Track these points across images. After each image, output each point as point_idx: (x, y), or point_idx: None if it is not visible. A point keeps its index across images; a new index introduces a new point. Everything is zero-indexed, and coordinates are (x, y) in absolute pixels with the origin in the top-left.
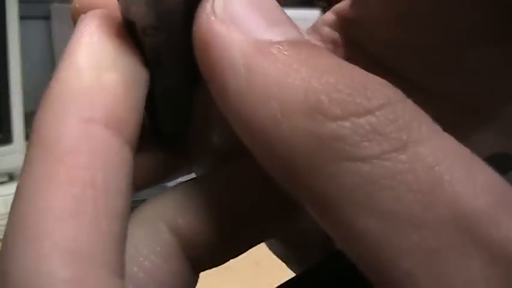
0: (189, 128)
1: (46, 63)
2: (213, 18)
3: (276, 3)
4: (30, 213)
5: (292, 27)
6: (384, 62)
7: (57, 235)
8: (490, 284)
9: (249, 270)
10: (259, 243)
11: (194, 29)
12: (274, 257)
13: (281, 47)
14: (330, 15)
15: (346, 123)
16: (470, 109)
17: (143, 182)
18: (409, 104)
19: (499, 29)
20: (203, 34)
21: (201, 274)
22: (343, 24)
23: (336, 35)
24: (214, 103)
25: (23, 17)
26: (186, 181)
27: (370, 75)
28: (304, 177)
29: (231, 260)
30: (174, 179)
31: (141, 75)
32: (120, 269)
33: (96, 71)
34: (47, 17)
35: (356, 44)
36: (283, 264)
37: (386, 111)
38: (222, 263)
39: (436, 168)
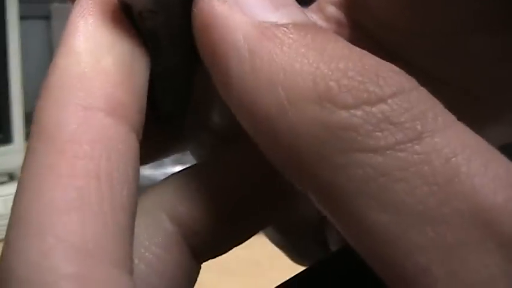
0: (187, 109)
1: (46, 63)
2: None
3: None
4: (32, 207)
5: (298, 10)
6: (388, 46)
7: (60, 229)
8: (510, 280)
9: (249, 270)
10: (259, 230)
11: (194, 10)
12: (274, 257)
13: (287, 30)
14: None
15: (358, 112)
16: (478, 99)
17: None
18: (424, 92)
19: (503, 17)
20: (204, 16)
21: (201, 274)
22: (349, 4)
23: (340, 15)
24: (213, 86)
25: (23, 17)
26: (184, 169)
27: (382, 61)
28: (311, 168)
29: (231, 260)
30: (167, 156)
31: (141, 58)
32: (127, 264)
33: (94, 55)
34: (47, 17)
35: (361, 26)
36: (283, 264)
37: (400, 100)
38: (223, 253)
39: (453, 159)
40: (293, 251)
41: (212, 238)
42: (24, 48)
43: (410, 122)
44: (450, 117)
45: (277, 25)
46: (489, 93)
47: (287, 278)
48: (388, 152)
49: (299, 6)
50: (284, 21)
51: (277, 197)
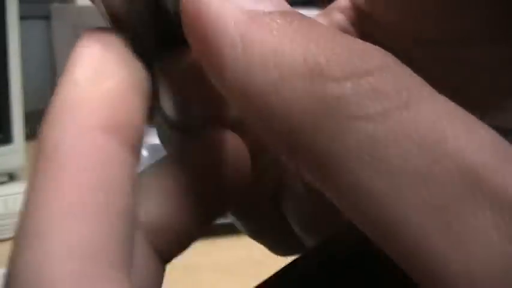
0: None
1: (46, 63)
2: None
3: None
4: (34, 215)
5: (282, 1)
6: (394, 55)
7: (59, 233)
8: (500, 232)
9: (249, 270)
10: (222, 216)
11: (183, 1)
12: (274, 257)
13: (274, 16)
14: (344, 1)
15: (347, 83)
16: (474, 103)
17: None
18: (407, 69)
19: (504, 28)
20: (194, 6)
21: (201, 274)
22: (356, 13)
23: (347, 23)
24: (178, 75)
25: (23, 17)
26: (142, 170)
27: (366, 42)
28: (306, 140)
29: (231, 260)
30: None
31: (142, 78)
32: (125, 266)
33: (93, 81)
34: (47, 17)
35: (366, 35)
36: (283, 264)
37: (385, 73)
38: (187, 248)
39: (440, 123)
40: (268, 241)
41: (177, 236)
42: (24, 48)
43: (397, 92)
44: (433, 91)
45: (264, 12)
46: (487, 95)
47: None
48: (378, 118)
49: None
50: (270, 9)
51: (234, 189)
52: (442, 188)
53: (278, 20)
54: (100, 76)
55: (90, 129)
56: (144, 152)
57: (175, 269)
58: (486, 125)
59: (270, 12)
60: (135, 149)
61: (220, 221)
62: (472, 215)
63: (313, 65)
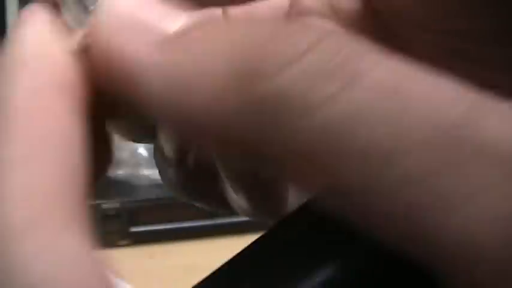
0: None
1: None
2: (103, 29)
3: None
4: None
5: (185, 13)
6: (402, 38)
7: (15, 183)
8: (494, 188)
9: None
10: None
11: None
12: None
13: (185, 36)
14: None
15: (281, 76)
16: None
17: None
18: (344, 35)
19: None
20: (103, 54)
21: (201, 274)
22: None
23: (357, 3)
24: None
25: None
26: None
27: (290, 22)
28: (267, 145)
29: None
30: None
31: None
32: (79, 215)
33: (41, 43)
34: None
35: (377, 14)
36: None
37: (323, 47)
38: None
39: (401, 88)
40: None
41: None
42: None
43: (342, 66)
44: (377, 49)
45: (175, 34)
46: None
47: None
48: (331, 101)
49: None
50: (181, 25)
51: None
52: (426, 156)
53: (191, 38)
54: (47, 40)
55: (41, 88)
56: (144, 152)
57: (176, 269)
58: (450, 78)
59: (182, 31)
60: (81, 111)
61: (220, 221)
62: (463, 176)
63: (240, 69)
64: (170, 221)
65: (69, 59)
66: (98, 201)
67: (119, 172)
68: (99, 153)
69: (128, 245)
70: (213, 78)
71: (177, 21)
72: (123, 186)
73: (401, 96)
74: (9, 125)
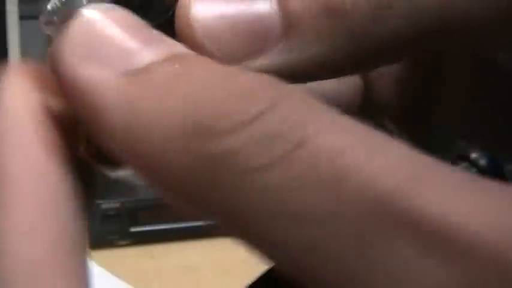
0: None
1: (46, 63)
2: (70, 58)
3: (139, 21)
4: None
5: (163, 42)
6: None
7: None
8: (423, 260)
9: (249, 270)
10: None
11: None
12: None
13: (152, 72)
14: None
15: (235, 136)
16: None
17: None
18: (297, 98)
19: None
20: (67, 80)
21: (201, 274)
22: None
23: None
24: None
25: (23, 17)
26: None
27: (254, 76)
28: (203, 200)
29: (231, 260)
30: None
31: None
32: (77, 275)
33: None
34: None
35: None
36: None
37: (274, 113)
38: None
39: (342, 155)
40: None
41: None
42: (24, 48)
43: (290, 131)
44: (332, 114)
45: (140, 69)
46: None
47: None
48: (274, 167)
49: (162, 36)
50: (150, 58)
51: None
52: (356, 226)
53: (156, 74)
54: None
55: (32, 156)
56: None
57: (176, 269)
58: (394, 141)
59: (147, 66)
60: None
61: None
62: (392, 248)
63: (196, 125)
64: (170, 221)
65: (36, 114)
66: (98, 201)
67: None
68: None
69: (127, 245)
70: (166, 129)
71: (151, 51)
72: (123, 186)
73: (339, 164)
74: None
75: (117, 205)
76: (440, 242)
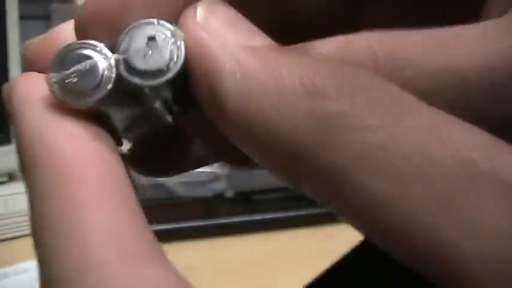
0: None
1: None
2: (200, 30)
3: (248, 22)
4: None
5: (269, 39)
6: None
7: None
8: (503, 212)
9: (249, 270)
10: None
11: (187, 41)
12: (275, 257)
13: (267, 49)
14: None
15: (345, 101)
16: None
17: None
18: (395, 87)
19: None
20: (196, 46)
21: (201, 274)
22: None
23: None
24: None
25: (23, 17)
26: None
27: (353, 67)
28: (312, 157)
29: (231, 260)
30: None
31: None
32: (156, 243)
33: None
34: (47, 17)
35: None
36: (284, 264)
37: (376, 89)
38: None
39: (435, 128)
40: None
41: None
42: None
43: (390, 106)
44: (422, 103)
45: (259, 46)
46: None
47: (287, 278)
48: (377, 128)
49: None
50: (263, 44)
51: None
52: (446, 183)
53: (272, 51)
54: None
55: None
56: None
57: None
58: (477, 127)
59: (263, 46)
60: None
61: (221, 221)
62: (476, 202)
63: (311, 86)
64: (170, 221)
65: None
66: None
67: None
68: None
69: None
70: (289, 85)
71: (261, 39)
72: None
73: (434, 134)
74: (75, 187)
75: None
76: None
